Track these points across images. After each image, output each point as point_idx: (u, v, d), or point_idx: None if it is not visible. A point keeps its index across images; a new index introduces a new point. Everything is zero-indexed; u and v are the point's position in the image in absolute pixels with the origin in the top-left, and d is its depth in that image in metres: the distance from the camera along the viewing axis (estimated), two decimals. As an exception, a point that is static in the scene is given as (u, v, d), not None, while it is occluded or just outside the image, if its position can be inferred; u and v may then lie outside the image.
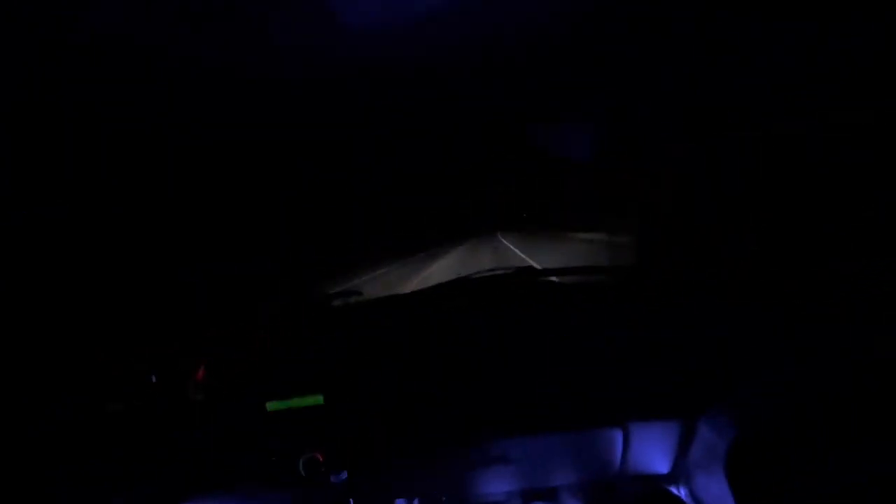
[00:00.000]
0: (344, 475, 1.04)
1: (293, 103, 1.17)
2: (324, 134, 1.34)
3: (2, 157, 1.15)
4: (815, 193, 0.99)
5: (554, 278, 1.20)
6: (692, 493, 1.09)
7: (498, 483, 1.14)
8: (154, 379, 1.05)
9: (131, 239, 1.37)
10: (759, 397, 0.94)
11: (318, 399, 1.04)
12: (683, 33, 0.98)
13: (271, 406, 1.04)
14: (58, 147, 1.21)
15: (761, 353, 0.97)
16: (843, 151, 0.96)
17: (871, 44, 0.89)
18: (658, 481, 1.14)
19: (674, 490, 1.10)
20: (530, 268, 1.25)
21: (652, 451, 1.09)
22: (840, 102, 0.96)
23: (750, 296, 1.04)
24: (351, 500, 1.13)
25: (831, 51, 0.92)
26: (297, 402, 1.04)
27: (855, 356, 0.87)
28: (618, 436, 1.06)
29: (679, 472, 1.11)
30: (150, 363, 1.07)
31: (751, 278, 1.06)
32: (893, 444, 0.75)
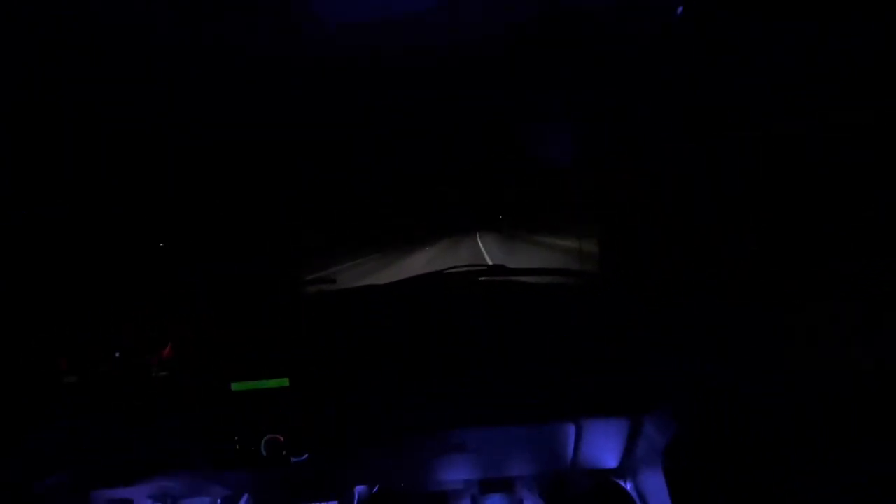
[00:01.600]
0: (305, 458, 1.05)
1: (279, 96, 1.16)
2: (308, 128, 1.33)
3: (1, 157, 1.14)
4: (815, 193, 0.99)
5: (523, 278, 1.24)
6: (637, 487, 1.14)
7: (457, 472, 1.17)
8: (118, 354, 1.07)
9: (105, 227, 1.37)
10: (700, 398, 0.98)
11: (284, 382, 1.05)
12: (683, 33, 0.98)
13: (236, 386, 1.06)
14: (58, 147, 1.21)
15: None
16: (843, 151, 0.96)
17: (871, 44, 0.89)
18: (607, 475, 1.19)
19: (622, 483, 1.15)
20: (502, 266, 1.29)
21: (602, 446, 1.14)
22: (840, 102, 0.96)
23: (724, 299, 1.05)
24: (311, 485, 1.15)
25: (831, 51, 0.92)
26: (262, 383, 1.06)
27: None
28: (571, 430, 1.10)
29: (626, 466, 1.17)
30: (115, 340, 1.09)
31: (731, 280, 1.07)
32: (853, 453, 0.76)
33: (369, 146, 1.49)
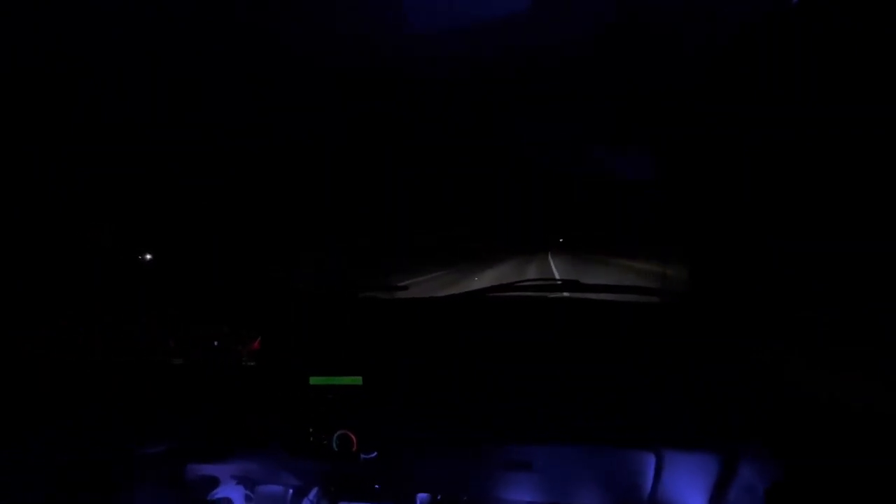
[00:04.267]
0: (373, 455, 1.09)
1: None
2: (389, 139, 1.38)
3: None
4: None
5: (598, 295, 1.20)
6: None
7: (520, 491, 1.14)
8: (216, 343, 1.21)
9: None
10: (810, 438, 0.83)
11: (357, 380, 1.10)
12: (793, 28, 0.88)
13: (314, 380, 1.12)
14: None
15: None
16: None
17: None
18: None
19: None
20: (575, 281, 1.25)
21: (686, 484, 1.03)
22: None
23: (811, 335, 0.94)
24: (377, 485, 1.19)
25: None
26: (337, 379, 1.11)
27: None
28: (649, 460, 1.02)
29: None
30: (215, 331, 1.24)
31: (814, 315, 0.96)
32: None
33: (448, 162, 1.52)
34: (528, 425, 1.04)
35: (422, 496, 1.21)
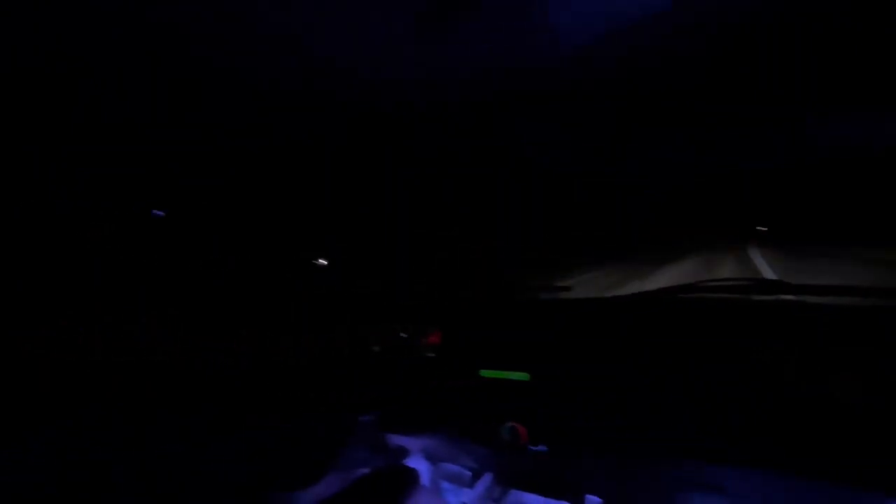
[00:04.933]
0: (542, 449, 1.11)
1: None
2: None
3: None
4: None
5: (809, 297, 0.99)
6: None
7: None
8: (403, 335, 1.43)
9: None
10: None
11: (524, 376, 1.15)
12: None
13: (484, 373, 1.21)
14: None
15: None
16: None
17: None
18: None
19: None
20: (779, 281, 1.07)
21: None
22: None
23: None
24: (546, 476, 1.20)
25: None
26: (506, 374, 1.18)
27: None
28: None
29: None
30: (406, 327, 1.45)
31: None
32: None
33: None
34: (716, 444, 0.89)
35: (591, 498, 1.09)
